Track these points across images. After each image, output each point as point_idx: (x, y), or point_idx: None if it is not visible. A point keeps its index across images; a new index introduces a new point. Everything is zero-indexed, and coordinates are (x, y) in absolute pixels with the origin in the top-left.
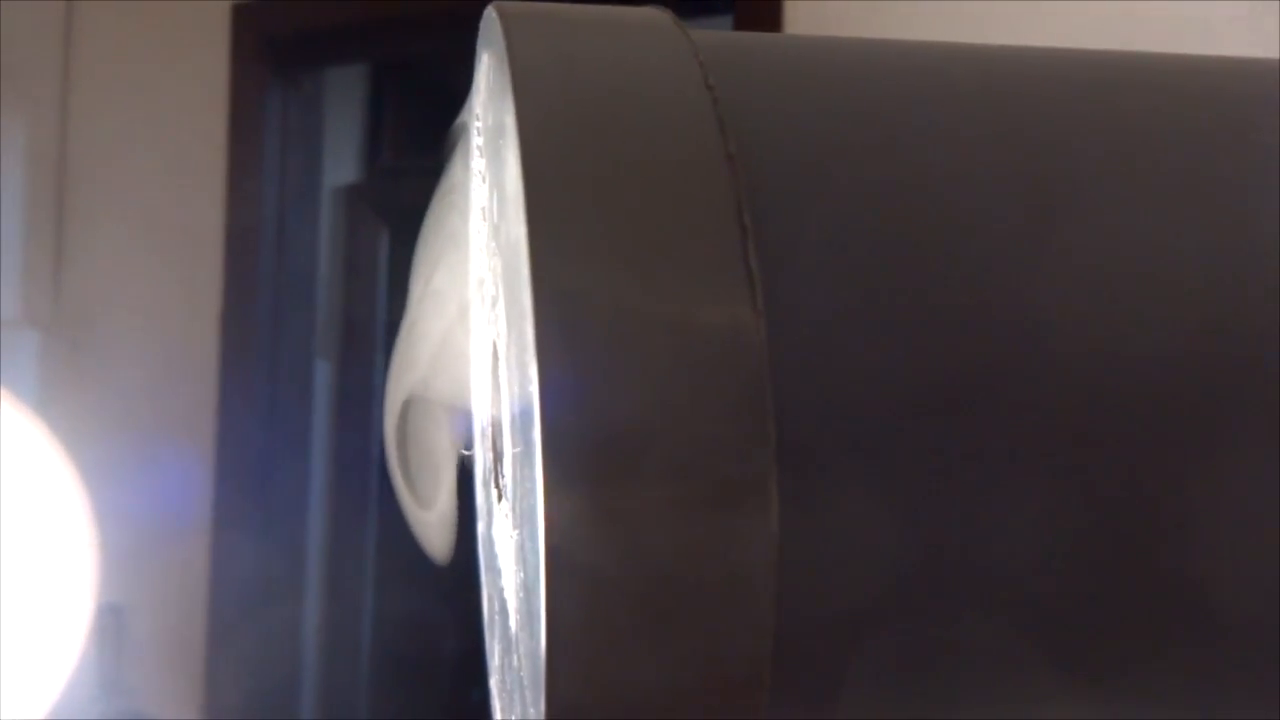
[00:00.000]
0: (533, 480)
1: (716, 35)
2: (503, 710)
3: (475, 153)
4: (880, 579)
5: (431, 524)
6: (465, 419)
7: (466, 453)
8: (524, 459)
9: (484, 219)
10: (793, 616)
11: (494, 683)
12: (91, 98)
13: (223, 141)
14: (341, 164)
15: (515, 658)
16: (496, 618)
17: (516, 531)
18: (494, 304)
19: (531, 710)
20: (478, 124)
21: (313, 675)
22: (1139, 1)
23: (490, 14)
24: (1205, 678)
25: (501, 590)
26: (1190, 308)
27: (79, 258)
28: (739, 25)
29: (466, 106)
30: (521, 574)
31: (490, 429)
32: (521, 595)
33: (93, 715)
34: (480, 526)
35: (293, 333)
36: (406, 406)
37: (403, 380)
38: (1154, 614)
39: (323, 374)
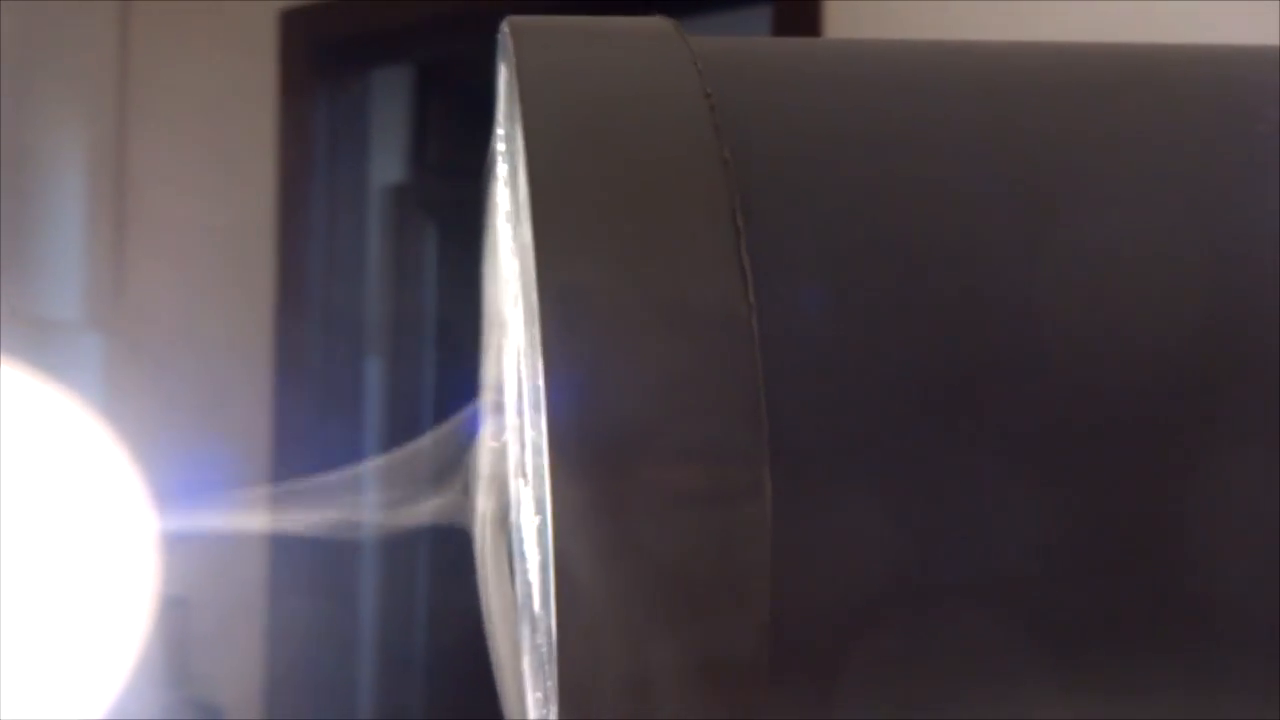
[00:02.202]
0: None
1: (716, 42)
2: (534, 687)
3: (499, 159)
4: (875, 575)
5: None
6: (500, 412)
7: (497, 444)
8: (539, 449)
9: (508, 222)
10: (789, 612)
11: (526, 663)
12: (148, 104)
13: (273, 143)
14: (389, 164)
15: (539, 635)
16: (525, 602)
17: (538, 516)
18: (516, 303)
19: (549, 684)
20: (499, 133)
21: (370, 664)
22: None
23: (504, 28)
24: (1204, 677)
25: (527, 573)
26: (1188, 304)
27: (138, 260)
28: (777, 21)
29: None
30: (540, 555)
31: (519, 421)
32: (542, 575)
33: (159, 704)
34: (512, 515)
35: (344, 330)
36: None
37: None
38: (1152, 613)
39: (373, 370)
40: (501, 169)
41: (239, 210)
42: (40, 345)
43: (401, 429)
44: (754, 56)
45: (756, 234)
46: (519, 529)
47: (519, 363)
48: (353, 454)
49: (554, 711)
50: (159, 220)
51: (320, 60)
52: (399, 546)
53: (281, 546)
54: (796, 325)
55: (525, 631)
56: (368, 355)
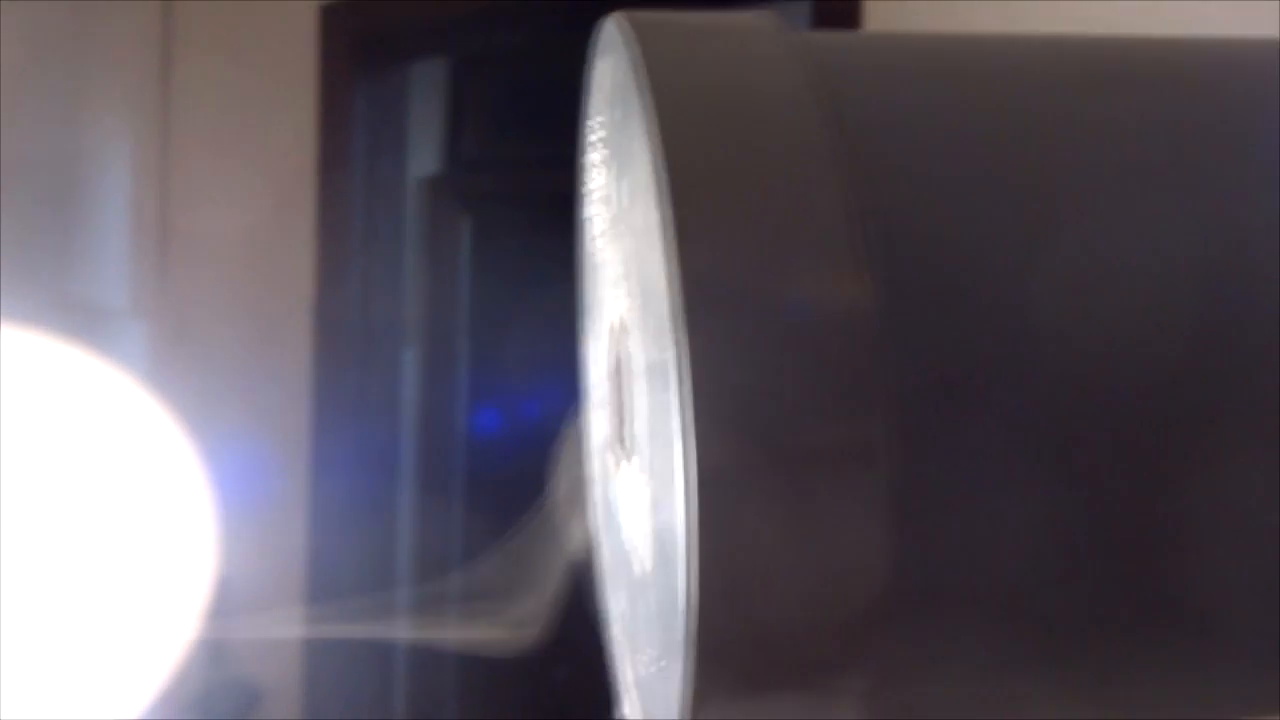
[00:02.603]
0: (669, 435)
1: (821, 37)
2: (631, 651)
3: (593, 147)
4: (991, 561)
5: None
6: (579, 391)
7: (574, 423)
8: (661, 415)
9: (604, 206)
10: (905, 582)
11: (616, 630)
12: (190, 99)
13: (313, 136)
14: (425, 156)
15: (649, 597)
16: (620, 570)
17: (650, 484)
18: (617, 283)
19: (672, 637)
20: (594, 121)
21: (403, 652)
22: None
23: (613, 24)
24: (1202, 679)
25: (624, 542)
26: (1190, 308)
27: (182, 250)
28: (816, 17)
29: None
30: (654, 520)
31: (614, 397)
32: (656, 540)
33: (198, 683)
34: (595, 491)
35: (381, 320)
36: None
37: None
38: (1150, 615)
39: (410, 360)
40: (596, 155)
41: (278, 202)
42: (88, 331)
43: (437, 418)
44: (858, 51)
45: (872, 219)
46: (608, 503)
47: (619, 339)
48: (389, 443)
49: (677, 664)
50: (202, 212)
51: (359, 55)
52: (434, 537)
53: (321, 525)
54: (910, 307)
55: (620, 597)
56: (404, 344)
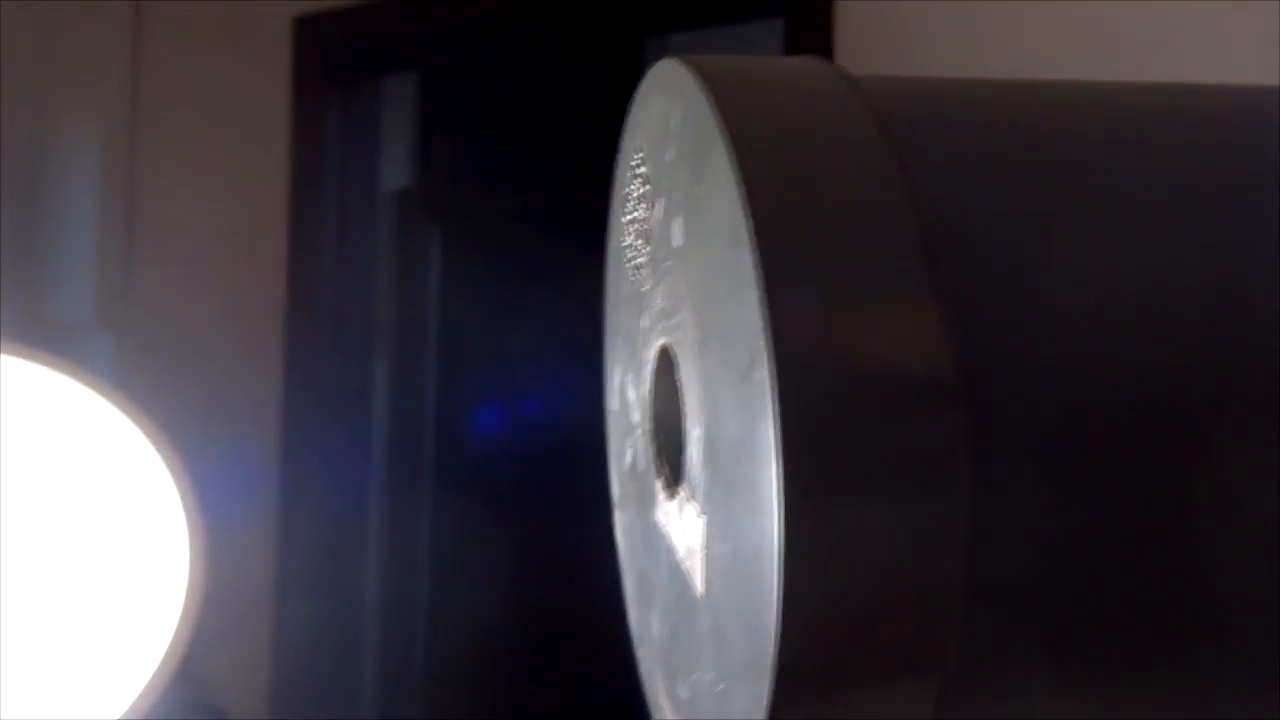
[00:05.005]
0: (738, 463)
1: (871, 80)
2: (673, 674)
3: (632, 181)
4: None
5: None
6: (616, 422)
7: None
8: (740, 446)
9: (644, 240)
10: (981, 582)
11: (647, 653)
12: (160, 109)
13: (285, 147)
14: (397, 168)
15: (701, 620)
16: (656, 594)
17: (709, 510)
18: (665, 315)
19: (708, 670)
20: (636, 155)
21: (372, 665)
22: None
23: (674, 65)
24: (1208, 677)
25: (663, 566)
26: (1196, 311)
27: (149, 263)
28: (789, 34)
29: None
30: (716, 545)
31: (657, 425)
32: (723, 562)
33: (164, 703)
34: (625, 516)
35: (353, 333)
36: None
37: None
38: (1156, 614)
39: (381, 372)
40: (635, 189)
41: (249, 214)
42: (53, 346)
43: (407, 431)
44: (914, 95)
45: (944, 260)
46: (640, 528)
47: (660, 370)
48: (360, 454)
49: (742, 684)
50: (170, 224)
51: (332, 66)
52: (403, 549)
53: (288, 547)
54: (986, 336)
55: (651, 620)
56: (376, 357)
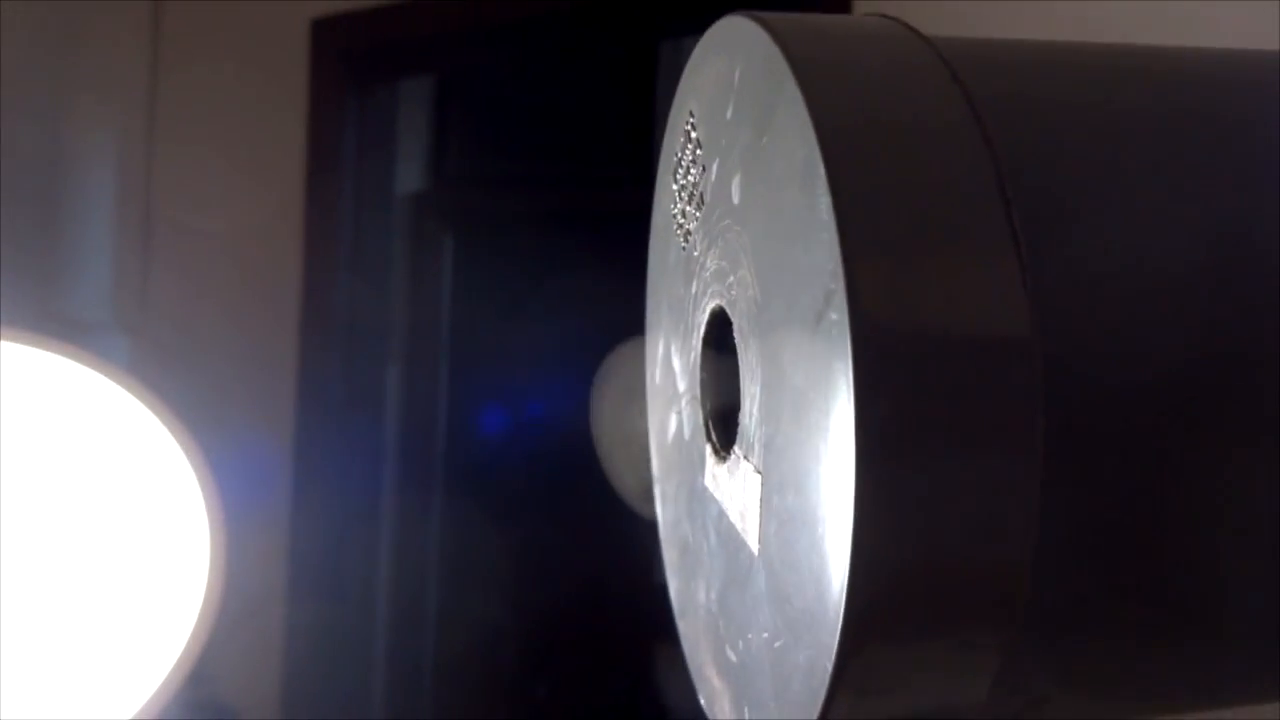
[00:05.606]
0: (807, 419)
1: (942, 40)
2: (721, 637)
3: (685, 146)
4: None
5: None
6: (657, 395)
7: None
8: (806, 395)
9: (693, 204)
10: (1047, 555)
11: (691, 622)
12: (177, 111)
13: (301, 150)
14: (411, 172)
15: (757, 580)
16: (703, 560)
17: (768, 470)
18: (718, 277)
19: (764, 629)
20: (689, 118)
21: (382, 666)
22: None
23: (736, 21)
24: (1203, 671)
25: (710, 532)
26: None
27: (166, 265)
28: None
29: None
30: (776, 503)
31: (707, 389)
32: (781, 520)
33: (174, 704)
34: (667, 487)
35: (367, 335)
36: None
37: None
38: (1152, 608)
39: (393, 375)
40: (686, 153)
41: (264, 216)
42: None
43: (418, 432)
44: (985, 49)
45: (1023, 205)
46: (696, 492)
47: (710, 334)
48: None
49: (803, 637)
50: (186, 225)
51: (349, 69)
52: (414, 551)
53: (299, 548)
54: (1064, 293)
55: (698, 586)
56: (388, 360)
